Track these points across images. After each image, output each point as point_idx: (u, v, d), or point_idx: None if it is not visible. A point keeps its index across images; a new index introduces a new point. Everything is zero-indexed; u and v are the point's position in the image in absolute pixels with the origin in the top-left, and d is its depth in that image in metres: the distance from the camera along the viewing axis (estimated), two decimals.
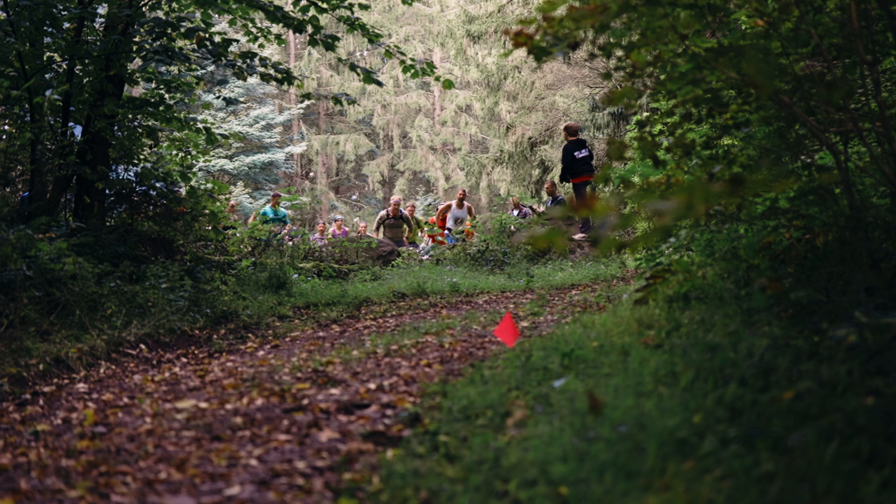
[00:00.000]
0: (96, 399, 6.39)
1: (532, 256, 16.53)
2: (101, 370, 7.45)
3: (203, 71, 12.54)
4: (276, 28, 13.88)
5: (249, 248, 15.10)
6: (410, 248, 20.10)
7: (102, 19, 12.10)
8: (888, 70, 6.18)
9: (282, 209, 22.42)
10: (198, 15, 12.58)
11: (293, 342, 8.91)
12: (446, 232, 22.56)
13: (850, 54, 5.14)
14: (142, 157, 12.50)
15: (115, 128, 11.81)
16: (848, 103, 4.87)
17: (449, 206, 23.41)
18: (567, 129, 18.73)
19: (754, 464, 3.20)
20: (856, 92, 5.15)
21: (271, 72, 12.48)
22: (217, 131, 13.60)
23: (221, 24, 22.33)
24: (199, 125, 13.18)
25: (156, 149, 12.96)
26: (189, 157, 13.53)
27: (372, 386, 6.01)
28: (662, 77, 5.14)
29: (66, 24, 11.40)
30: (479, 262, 16.71)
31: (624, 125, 28.27)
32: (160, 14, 12.25)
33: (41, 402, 6.32)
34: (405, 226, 22.38)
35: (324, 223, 22.98)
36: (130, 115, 12.25)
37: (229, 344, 9.01)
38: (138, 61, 11.98)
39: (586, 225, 18.48)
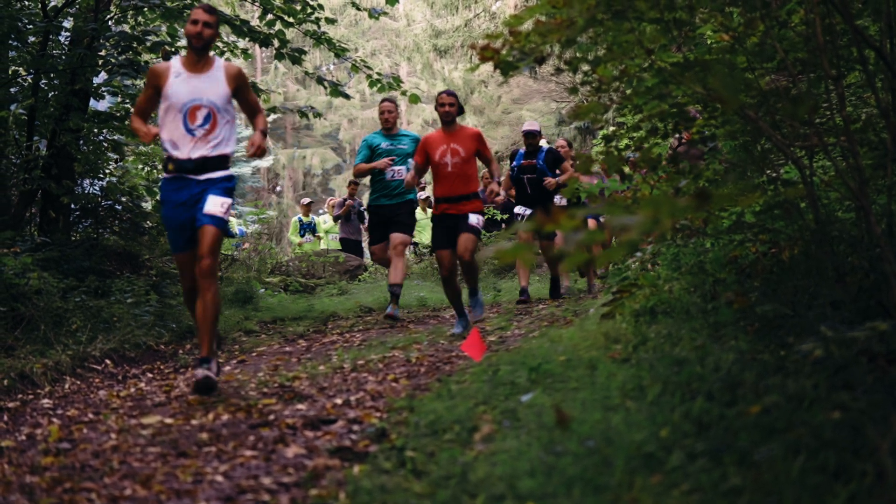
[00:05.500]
0: (61, 415, 6.34)
1: (499, 270, 16.52)
2: (66, 386, 7.39)
3: None
4: (242, 42, 13.84)
5: None
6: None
7: (68, 33, 12.02)
8: (853, 85, 6.22)
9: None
10: (163, 29, 12.52)
11: (259, 357, 8.87)
12: None
13: (815, 69, 5.17)
14: (107, 171, 12.42)
15: (81, 142, 11.73)
16: (813, 118, 4.89)
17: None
18: None
19: (722, 478, 3.20)
20: (821, 106, 5.18)
21: None
22: None
23: None
24: None
25: (121, 163, 12.88)
26: (155, 171, 13.46)
27: (338, 401, 5.99)
28: (629, 92, 5.16)
29: (32, 38, 11.33)
30: None
31: (591, 139, 28.37)
32: (126, 28, 12.20)
33: (5, 417, 6.27)
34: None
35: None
36: (96, 130, 12.16)
37: (195, 359, 8.96)
38: (104, 75, 11.91)
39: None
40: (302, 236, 20.70)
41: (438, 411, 5.06)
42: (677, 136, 10.97)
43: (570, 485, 3.46)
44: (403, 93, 13.56)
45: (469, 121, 35.04)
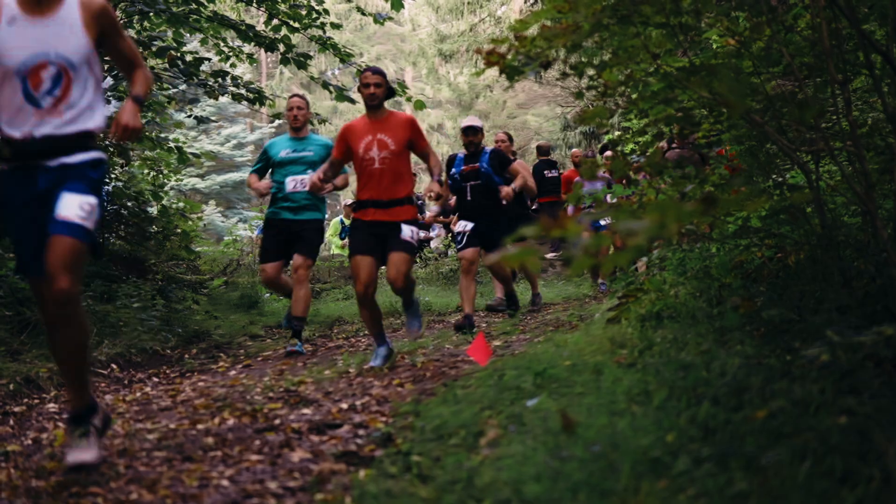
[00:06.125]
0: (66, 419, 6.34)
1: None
2: None
3: (174, 90, 12.47)
4: (247, 47, 13.86)
5: (221, 268, 15.06)
6: None
7: None
8: (859, 89, 6.22)
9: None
10: (169, 34, 12.54)
11: (265, 362, 8.87)
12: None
13: (821, 73, 5.16)
14: (113, 176, 12.43)
15: None
16: (819, 122, 4.89)
17: None
18: (538, 148, 18.81)
19: (728, 483, 3.19)
20: (827, 111, 5.17)
21: (243, 91, 12.47)
22: (189, 150, 13.55)
23: (193, 44, 22.32)
24: (171, 144, 13.13)
25: (127, 168, 12.89)
26: (161, 176, 13.48)
27: (344, 406, 5.98)
28: (634, 96, 5.15)
29: None
30: (451, 280, 16.70)
31: (596, 144, 28.38)
32: (131, 33, 12.20)
33: (11, 422, 6.26)
34: None
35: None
36: (101, 135, 12.15)
37: (201, 363, 8.97)
38: (109, 80, 11.91)
39: (557, 244, 18.49)
40: (343, 238, 20.21)
41: (444, 416, 5.05)
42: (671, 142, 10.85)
43: (576, 490, 3.46)
44: (408, 99, 13.53)
45: None
